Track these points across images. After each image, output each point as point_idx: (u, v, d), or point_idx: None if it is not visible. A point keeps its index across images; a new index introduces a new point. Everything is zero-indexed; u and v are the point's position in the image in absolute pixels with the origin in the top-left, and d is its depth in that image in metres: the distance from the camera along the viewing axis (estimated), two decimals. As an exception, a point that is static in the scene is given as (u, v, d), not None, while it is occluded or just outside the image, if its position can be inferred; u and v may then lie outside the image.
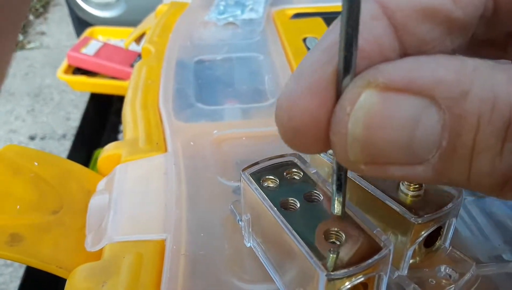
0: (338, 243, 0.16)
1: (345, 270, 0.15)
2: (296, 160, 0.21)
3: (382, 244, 0.16)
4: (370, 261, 0.15)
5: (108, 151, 0.32)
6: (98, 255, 0.25)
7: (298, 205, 0.19)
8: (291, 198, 0.19)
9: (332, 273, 0.15)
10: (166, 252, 0.24)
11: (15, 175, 0.29)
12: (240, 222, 0.23)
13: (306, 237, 0.17)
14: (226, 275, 0.23)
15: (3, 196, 0.27)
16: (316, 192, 0.19)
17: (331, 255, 0.16)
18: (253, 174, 0.21)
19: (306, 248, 0.16)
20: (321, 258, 0.16)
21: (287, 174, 0.20)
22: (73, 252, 0.26)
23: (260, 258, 0.22)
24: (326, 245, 0.16)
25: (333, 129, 0.12)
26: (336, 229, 0.17)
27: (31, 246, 0.25)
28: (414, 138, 0.11)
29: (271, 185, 0.20)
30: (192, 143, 0.33)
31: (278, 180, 0.20)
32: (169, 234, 0.25)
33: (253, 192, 0.20)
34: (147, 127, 0.35)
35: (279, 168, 0.21)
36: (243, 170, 0.21)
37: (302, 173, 0.20)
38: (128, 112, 0.36)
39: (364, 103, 0.12)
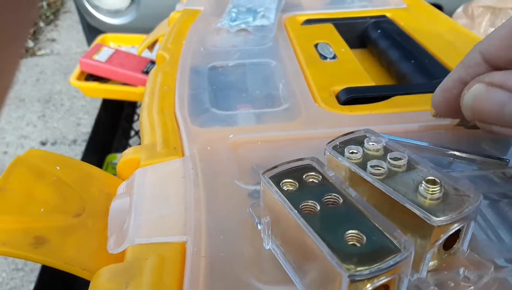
0: (359, 245, 0.17)
1: (368, 272, 0.15)
2: (314, 164, 0.22)
3: (403, 246, 0.16)
4: (392, 262, 0.16)
5: (127, 155, 0.33)
6: (120, 257, 0.26)
7: (318, 208, 0.19)
8: (311, 201, 0.19)
9: (354, 273, 0.15)
10: (187, 254, 0.24)
11: (38, 178, 0.30)
12: (259, 225, 0.24)
13: (327, 239, 0.17)
14: (245, 277, 0.23)
15: (27, 199, 0.28)
16: (335, 195, 0.19)
17: (352, 257, 0.16)
18: (272, 177, 0.21)
19: (328, 249, 0.16)
20: (343, 259, 0.16)
21: (306, 177, 0.21)
22: (96, 254, 0.27)
23: (279, 260, 0.22)
24: (348, 247, 0.17)
25: (460, 102, 0.24)
26: (357, 231, 0.17)
27: (55, 248, 0.26)
28: (504, 112, 0.21)
29: (290, 188, 0.20)
30: (208, 147, 0.33)
31: (297, 183, 0.21)
32: (189, 236, 0.26)
33: (273, 195, 0.20)
34: (164, 132, 0.35)
35: (298, 171, 0.21)
36: (263, 173, 0.22)
37: (320, 177, 0.21)
38: (145, 118, 0.37)
39: (474, 89, 0.23)
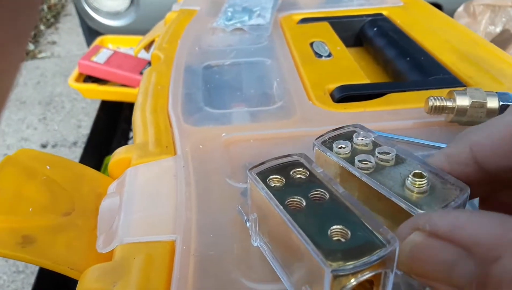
0: (343, 240, 0.16)
1: (351, 267, 0.15)
2: (302, 160, 0.21)
3: (387, 241, 0.16)
4: (375, 257, 0.15)
5: (118, 154, 0.33)
6: (109, 256, 0.25)
7: (304, 203, 0.19)
8: (297, 197, 0.19)
9: (337, 269, 0.15)
10: (176, 253, 0.24)
11: (28, 178, 0.29)
12: (247, 223, 0.24)
13: (312, 235, 0.17)
14: (235, 275, 0.23)
15: (15, 198, 0.28)
16: (321, 191, 0.19)
17: (336, 252, 0.16)
18: (259, 174, 0.21)
19: (312, 245, 0.16)
20: (327, 255, 0.16)
21: (293, 173, 0.21)
22: (85, 253, 0.26)
23: (267, 257, 0.22)
24: (332, 242, 0.16)
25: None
26: (341, 226, 0.17)
27: (43, 247, 0.26)
28: (452, 274, 0.15)
29: (277, 184, 0.20)
30: (201, 146, 0.33)
31: (284, 180, 0.20)
32: (179, 235, 0.25)
33: (259, 192, 0.20)
34: (157, 131, 0.35)
35: (285, 168, 0.21)
36: (250, 169, 0.21)
37: (308, 173, 0.21)
38: (138, 117, 0.37)
39: (412, 239, 0.16)
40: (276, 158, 0.22)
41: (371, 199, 0.20)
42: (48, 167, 0.30)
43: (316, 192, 0.19)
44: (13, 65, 0.11)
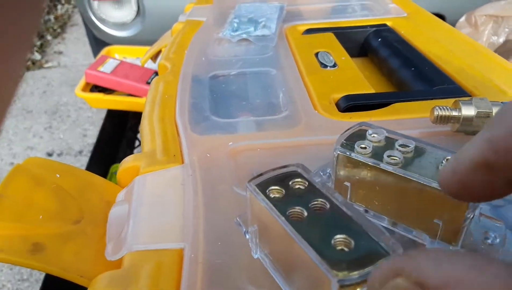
0: (347, 249, 0.17)
1: (356, 276, 0.15)
2: (299, 170, 0.21)
3: (391, 249, 0.16)
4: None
5: (127, 163, 0.33)
6: (118, 264, 0.26)
7: (305, 214, 0.19)
8: (298, 207, 0.19)
9: (343, 279, 0.15)
10: (185, 261, 0.24)
11: (37, 186, 0.30)
12: (246, 235, 0.23)
13: (315, 245, 0.17)
14: (242, 283, 0.23)
15: (25, 206, 0.28)
16: (322, 201, 0.19)
17: (341, 262, 0.16)
18: (258, 185, 0.21)
19: (317, 255, 0.16)
20: (332, 265, 0.16)
21: (292, 183, 0.21)
22: (94, 261, 0.27)
23: (268, 269, 0.22)
24: (336, 252, 0.16)
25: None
26: (344, 236, 0.17)
27: (52, 255, 0.26)
28: None
29: (277, 195, 0.20)
30: (208, 154, 0.33)
31: (284, 190, 0.20)
32: (187, 243, 0.25)
33: (260, 203, 0.20)
34: (164, 139, 0.35)
35: (284, 179, 0.21)
36: (249, 181, 0.21)
37: (307, 183, 0.20)
38: (146, 126, 0.37)
39: (395, 283, 0.13)
40: (274, 169, 0.21)
41: (410, 192, 0.20)
42: (58, 175, 0.30)
43: (316, 202, 0.19)
44: (15, 72, 0.11)
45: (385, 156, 0.21)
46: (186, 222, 0.27)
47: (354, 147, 0.23)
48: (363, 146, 0.23)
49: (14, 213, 0.27)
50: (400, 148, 0.22)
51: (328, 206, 0.19)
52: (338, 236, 0.17)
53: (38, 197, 0.29)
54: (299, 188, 0.20)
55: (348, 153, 0.23)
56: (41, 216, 0.27)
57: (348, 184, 0.24)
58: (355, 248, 0.16)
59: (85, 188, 0.32)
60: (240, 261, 0.24)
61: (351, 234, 0.17)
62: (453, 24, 1.33)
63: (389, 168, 0.21)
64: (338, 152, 0.23)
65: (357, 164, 0.23)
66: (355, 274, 0.15)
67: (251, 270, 0.24)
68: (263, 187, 0.21)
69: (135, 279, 0.23)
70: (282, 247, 0.20)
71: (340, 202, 0.19)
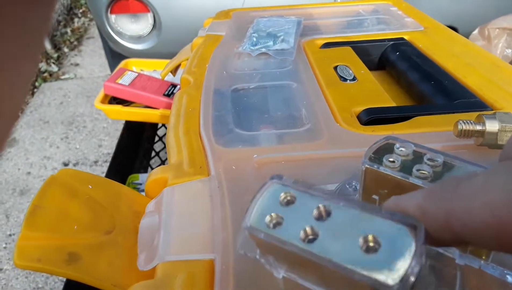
0: (377, 246, 0.16)
1: (403, 273, 0.15)
2: (280, 182, 0.20)
3: (413, 226, 0.16)
4: (417, 252, 0.15)
5: (155, 174, 0.34)
6: (150, 274, 0.26)
7: (316, 229, 0.17)
8: (306, 227, 0.18)
9: (397, 283, 0.15)
10: (216, 272, 0.25)
11: (71, 197, 0.31)
12: (260, 259, 0.22)
13: (347, 260, 0.16)
14: (274, 294, 0.23)
15: (61, 217, 0.29)
16: (325, 206, 0.18)
17: (383, 265, 0.15)
18: (256, 223, 0.19)
19: (362, 271, 0.16)
20: (379, 274, 0.15)
21: (284, 201, 0.19)
22: (127, 270, 0.27)
23: (298, 282, 0.21)
24: (371, 257, 0.16)
25: None
26: (368, 236, 0.16)
27: (87, 264, 0.27)
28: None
29: (278, 220, 0.19)
30: (233, 167, 0.34)
31: (282, 215, 0.19)
32: (217, 254, 0.26)
33: (266, 241, 0.18)
34: (190, 151, 0.36)
35: (275, 201, 0.19)
36: (244, 227, 0.19)
37: (296, 194, 0.19)
38: (172, 138, 0.38)
39: None
40: (255, 196, 0.20)
41: None
42: (90, 187, 0.31)
43: (319, 211, 0.18)
44: (24, 81, 0.11)
45: (414, 170, 0.22)
46: (215, 233, 0.28)
47: (382, 161, 0.23)
48: (391, 159, 0.23)
49: (50, 224, 0.28)
50: (428, 162, 0.22)
51: (332, 210, 0.18)
52: (360, 240, 0.16)
53: (72, 207, 0.30)
54: (292, 202, 0.19)
55: (376, 167, 0.23)
56: (75, 227, 0.28)
57: (376, 197, 0.24)
58: (383, 242, 0.16)
59: (115, 198, 0.33)
60: (269, 272, 0.25)
61: (371, 231, 0.16)
62: (466, 37, 1.33)
63: (419, 182, 0.21)
64: (366, 165, 0.24)
65: (385, 178, 0.23)
66: (402, 271, 0.15)
67: (282, 281, 0.24)
68: (261, 221, 0.19)
69: (169, 288, 0.24)
70: (309, 270, 0.19)
71: (341, 205, 0.18)
